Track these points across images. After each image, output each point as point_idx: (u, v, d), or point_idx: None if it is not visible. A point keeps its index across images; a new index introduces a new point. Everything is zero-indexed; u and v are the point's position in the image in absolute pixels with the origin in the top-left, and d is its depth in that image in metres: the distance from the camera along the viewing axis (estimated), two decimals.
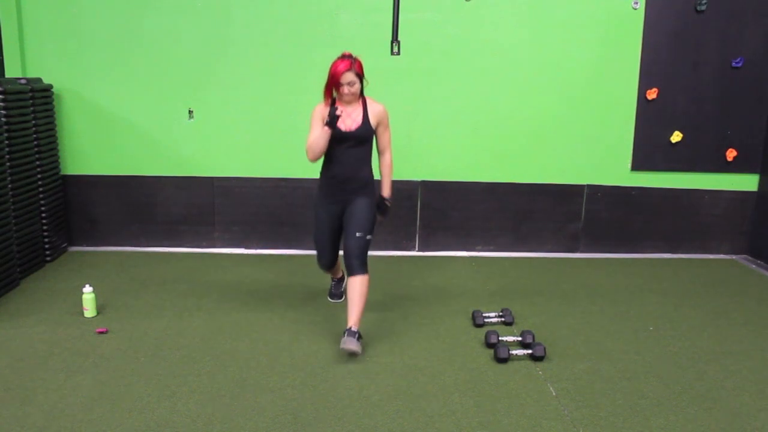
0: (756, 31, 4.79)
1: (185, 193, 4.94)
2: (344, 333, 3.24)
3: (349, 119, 3.36)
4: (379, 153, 3.55)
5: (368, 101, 3.42)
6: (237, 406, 2.76)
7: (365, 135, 3.39)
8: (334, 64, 3.29)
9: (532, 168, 4.98)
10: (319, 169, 3.53)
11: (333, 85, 3.29)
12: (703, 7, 4.71)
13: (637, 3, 4.72)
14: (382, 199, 3.57)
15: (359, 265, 3.34)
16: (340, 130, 3.33)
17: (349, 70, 3.25)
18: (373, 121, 3.39)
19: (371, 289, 3.54)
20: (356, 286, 3.32)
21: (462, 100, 4.85)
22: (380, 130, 3.47)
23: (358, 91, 3.34)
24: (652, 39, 4.77)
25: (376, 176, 3.53)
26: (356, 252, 3.35)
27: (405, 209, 4.99)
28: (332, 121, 3.22)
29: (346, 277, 3.98)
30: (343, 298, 3.99)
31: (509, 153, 4.95)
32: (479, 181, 4.98)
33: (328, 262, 3.72)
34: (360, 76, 3.31)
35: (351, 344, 3.17)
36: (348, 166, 3.41)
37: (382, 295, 4.08)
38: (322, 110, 3.35)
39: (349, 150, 3.39)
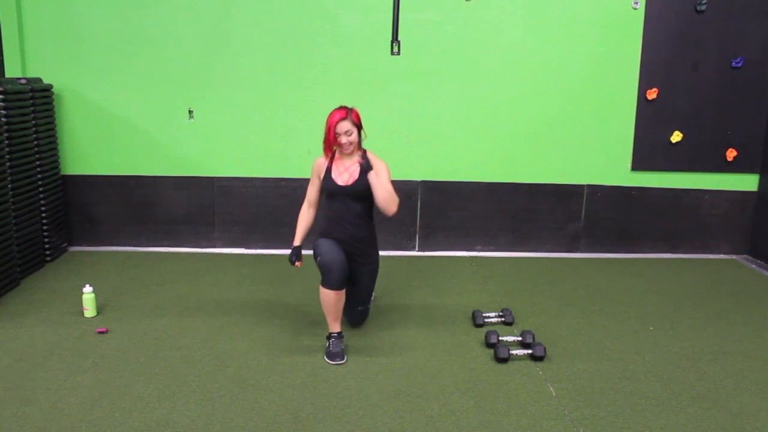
0: (756, 31, 4.79)
1: (185, 193, 4.94)
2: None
3: (346, 173, 3.28)
4: None
5: (369, 156, 3.29)
6: (237, 406, 2.76)
7: (363, 190, 3.25)
8: (330, 115, 3.21)
9: (532, 168, 4.98)
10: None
11: (331, 136, 3.20)
12: (703, 7, 4.71)
13: (637, 3, 4.72)
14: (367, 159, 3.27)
15: (359, 325, 3.62)
16: (336, 185, 3.27)
17: (344, 118, 3.18)
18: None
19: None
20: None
21: (462, 100, 4.85)
22: None
23: (356, 141, 3.25)
24: (652, 39, 4.77)
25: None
26: (360, 321, 3.61)
27: (405, 209, 4.98)
28: (290, 260, 3.49)
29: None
30: (345, 359, 3.23)
31: (509, 153, 4.95)
32: (479, 181, 4.98)
33: (338, 271, 3.19)
34: (357, 125, 3.23)
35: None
36: (347, 223, 3.33)
37: (382, 295, 4.08)
38: (320, 164, 3.38)
39: (347, 206, 3.31)
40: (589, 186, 5.03)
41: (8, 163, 4.05)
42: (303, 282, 4.31)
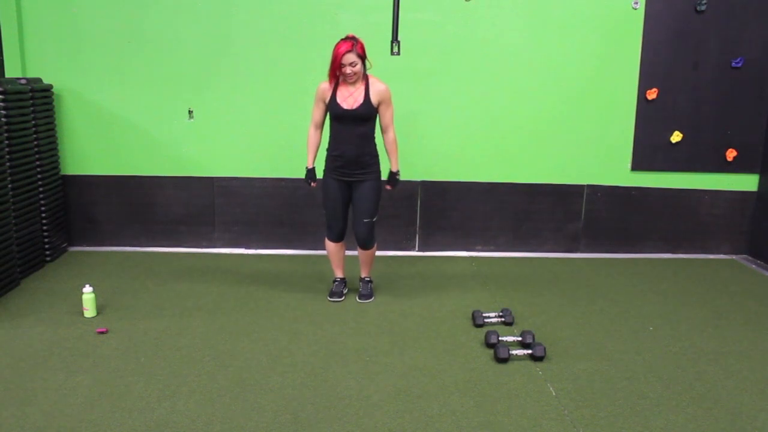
0: (756, 31, 4.79)
1: (185, 193, 4.94)
2: (359, 282, 4.03)
3: (351, 98, 3.53)
4: (383, 131, 3.73)
5: (371, 80, 3.58)
6: (237, 406, 2.76)
7: (366, 114, 3.56)
8: (337, 46, 3.47)
9: (532, 168, 4.98)
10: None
11: (335, 66, 3.48)
12: (703, 7, 4.71)
13: (637, 3, 4.72)
14: (392, 173, 3.82)
15: (367, 242, 3.87)
16: (342, 109, 3.53)
17: (350, 51, 3.44)
18: (374, 99, 3.55)
19: (373, 290, 4.10)
20: (367, 252, 3.94)
21: (462, 100, 4.85)
22: (382, 109, 3.63)
23: (360, 72, 3.51)
24: (652, 39, 4.77)
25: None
26: (366, 235, 3.82)
27: (405, 209, 4.99)
28: (306, 181, 3.84)
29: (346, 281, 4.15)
30: (343, 297, 4.00)
31: (509, 153, 4.95)
32: (479, 181, 4.98)
33: (338, 230, 3.86)
34: (362, 56, 3.48)
35: (364, 298, 3.94)
36: (352, 144, 3.61)
37: (383, 295, 4.08)
38: (324, 89, 3.61)
39: (352, 128, 3.58)
40: (589, 186, 5.03)
41: (8, 163, 4.05)
42: (303, 282, 4.32)
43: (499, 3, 4.70)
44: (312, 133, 3.80)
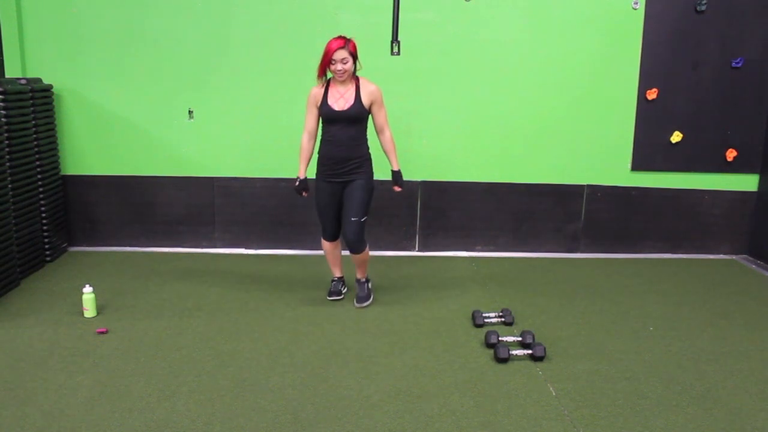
0: (756, 31, 4.79)
1: (185, 193, 4.94)
2: (356, 285, 3.98)
3: (342, 99, 3.52)
4: (378, 132, 3.71)
5: (362, 81, 3.57)
6: (237, 406, 2.76)
7: (358, 114, 3.55)
8: (329, 43, 3.46)
9: (532, 168, 4.98)
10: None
11: (326, 62, 3.46)
12: (703, 7, 4.71)
13: (637, 3, 4.72)
14: (395, 173, 3.79)
15: (357, 245, 3.74)
16: (333, 111, 3.53)
17: (342, 47, 3.43)
18: (365, 100, 3.54)
19: (372, 289, 4.04)
20: (358, 257, 3.82)
21: (462, 100, 4.85)
22: (374, 110, 3.61)
23: (351, 69, 3.50)
24: (652, 39, 4.77)
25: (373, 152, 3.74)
26: (354, 236, 3.70)
27: (405, 209, 4.99)
28: (297, 191, 3.78)
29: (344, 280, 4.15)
30: (342, 296, 4.02)
31: (509, 153, 4.95)
32: (479, 181, 4.98)
33: (331, 231, 3.84)
34: (353, 55, 3.48)
35: (362, 302, 3.89)
36: (343, 146, 3.59)
37: (382, 296, 4.08)
38: (316, 94, 3.59)
39: (343, 130, 3.57)
40: (589, 186, 5.03)
41: (8, 163, 4.05)
42: (303, 282, 4.31)
43: (499, 3, 4.70)
44: (305, 142, 3.74)
